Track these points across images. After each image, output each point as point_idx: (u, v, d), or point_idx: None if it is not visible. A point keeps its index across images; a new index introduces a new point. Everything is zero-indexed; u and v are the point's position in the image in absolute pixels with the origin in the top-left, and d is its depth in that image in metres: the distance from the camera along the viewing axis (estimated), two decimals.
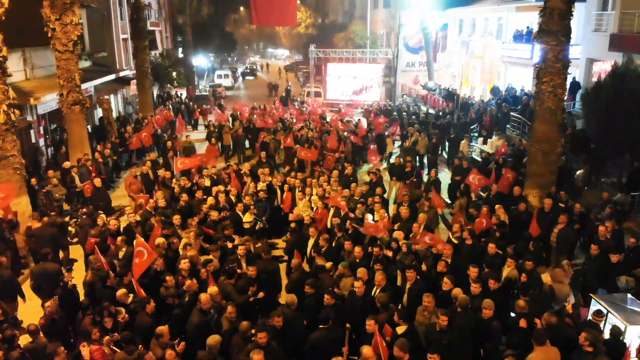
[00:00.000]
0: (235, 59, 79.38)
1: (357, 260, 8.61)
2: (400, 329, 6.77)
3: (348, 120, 23.67)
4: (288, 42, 79.31)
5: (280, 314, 6.85)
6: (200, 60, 48.66)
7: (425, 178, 15.27)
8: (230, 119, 24.00)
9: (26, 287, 9.20)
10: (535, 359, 6.20)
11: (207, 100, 36.54)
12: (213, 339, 6.33)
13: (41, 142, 18.79)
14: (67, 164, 14.73)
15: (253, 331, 6.48)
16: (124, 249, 9.17)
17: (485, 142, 19.63)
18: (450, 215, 12.76)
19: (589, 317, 7.16)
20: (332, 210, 11.13)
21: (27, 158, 15.16)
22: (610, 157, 15.47)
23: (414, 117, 23.48)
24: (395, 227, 10.50)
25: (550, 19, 12.20)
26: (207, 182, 13.09)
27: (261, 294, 7.80)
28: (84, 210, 11.72)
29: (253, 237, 10.21)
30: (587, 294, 8.35)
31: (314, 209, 11.38)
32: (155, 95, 31.65)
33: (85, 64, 23.10)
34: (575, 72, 20.42)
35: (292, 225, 10.57)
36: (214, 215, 10.67)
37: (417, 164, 17.71)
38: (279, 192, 12.78)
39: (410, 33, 34.87)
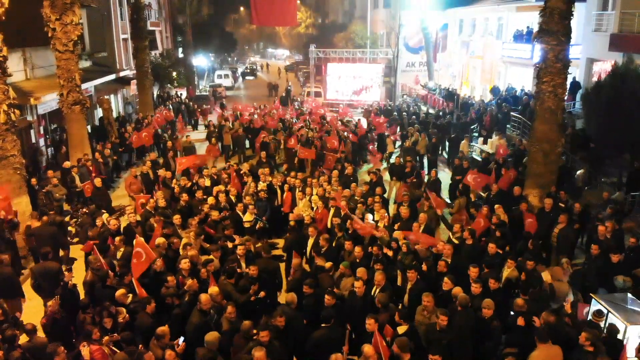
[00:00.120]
0: (235, 59, 79.32)
1: (357, 260, 8.61)
2: (401, 329, 6.77)
3: (348, 120, 23.67)
4: (288, 42, 79.29)
5: (282, 314, 6.86)
6: (200, 60, 48.66)
7: (425, 178, 15.25)
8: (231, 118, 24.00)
9: (26, 287, 9.20)
10: (537, 357, 6.20)
11: (207, 100, 36.50)
12: (211, 336, 6.33)
13: (41, 142, 18.80)
14: (67, 164, 14.75)
15: (255, 331, 6.49)
16: (122, 249, 9.18)
17: (485, 142, 19.62)
18: (450, 215, 12.77)
19: (589, 317, 7.16)
20: (332, 210, 11.14)
21: (27, 158, 15.17)
22: (610, 157, 15.46)
23: (414, 117, 23.46)
24: (396, 227, 10.50)
25: (551, 19, 12.19)
26: (207, 182, 13.12)
27: (262, 293, 7.81)
28: (85, 209, 11.72)
29: (253, 237, 10.20)
30: (587, 293, 8.34)
31: (314, 208, 11.39)
32: (155, 95, 31.64)
33: (85, 64, 23.10)
34: (576, 72, 20.41)
35: (292, 223, 10.58)
36: (215, 215, 10.68)
37: (417, 164, 17.70)
38: (279, 192, 12.80)
39: (410, 33, 34.85)
